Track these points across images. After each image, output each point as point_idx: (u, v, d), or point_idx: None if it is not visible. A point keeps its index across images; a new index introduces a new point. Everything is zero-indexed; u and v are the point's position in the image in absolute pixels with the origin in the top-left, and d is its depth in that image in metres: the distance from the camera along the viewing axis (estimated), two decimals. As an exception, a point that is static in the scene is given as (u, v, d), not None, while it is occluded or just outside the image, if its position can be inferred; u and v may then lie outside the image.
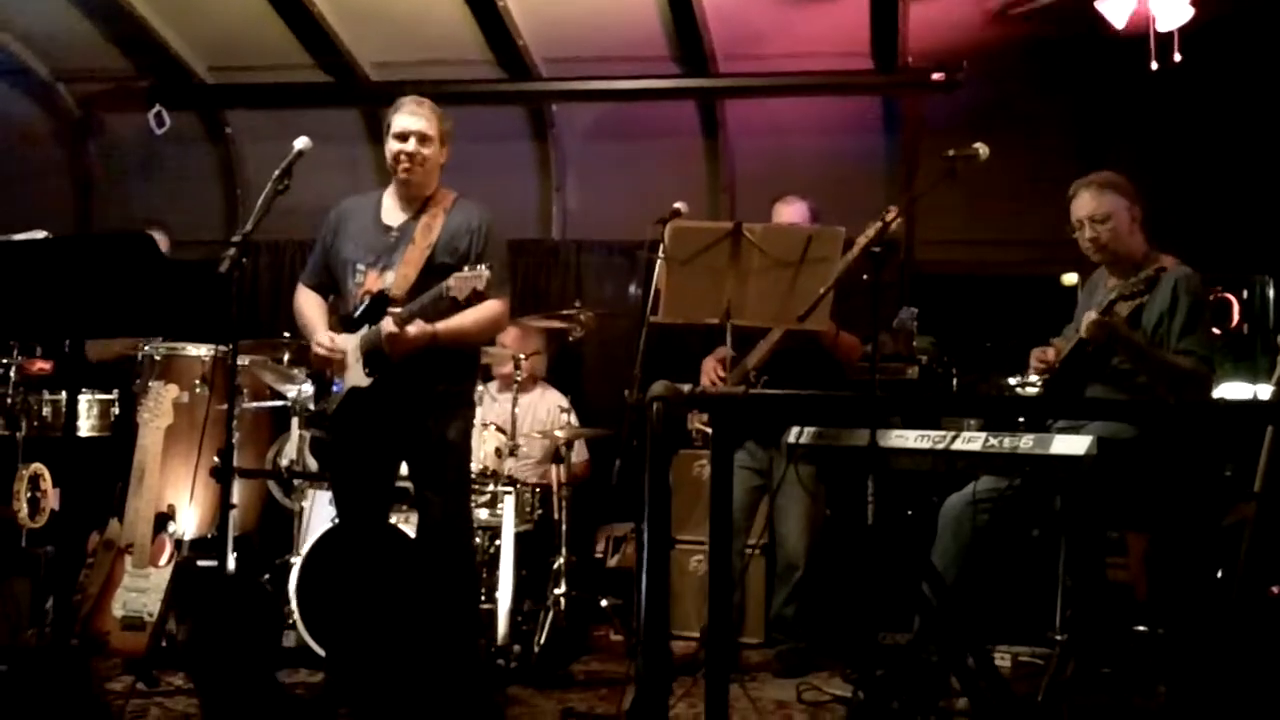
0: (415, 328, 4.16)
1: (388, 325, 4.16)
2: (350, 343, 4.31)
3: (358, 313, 4.31)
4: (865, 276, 4.26)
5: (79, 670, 4.39)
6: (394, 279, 4.28)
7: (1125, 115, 6.43)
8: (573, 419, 5.97)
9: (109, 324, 4.13)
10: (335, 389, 4.35)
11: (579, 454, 6.22)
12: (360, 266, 4.36)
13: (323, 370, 4.39)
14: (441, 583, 4.33)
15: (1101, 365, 4.19)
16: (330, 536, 5.07)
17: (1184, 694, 4.21)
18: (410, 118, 4.32)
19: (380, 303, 4.26)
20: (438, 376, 4.32)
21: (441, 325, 4.23)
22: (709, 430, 5.39)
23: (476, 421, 5.40)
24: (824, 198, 5.43)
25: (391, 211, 4.42)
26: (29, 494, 5.23)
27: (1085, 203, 4.31)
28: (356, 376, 4.29)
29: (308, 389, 5.41)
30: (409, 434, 4.34)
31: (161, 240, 6.01)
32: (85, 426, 5.45)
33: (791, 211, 5.29)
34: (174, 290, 3.78)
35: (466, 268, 4.15)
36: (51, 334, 4.73)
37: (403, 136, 4.31)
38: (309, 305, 4.52)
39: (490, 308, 4.30)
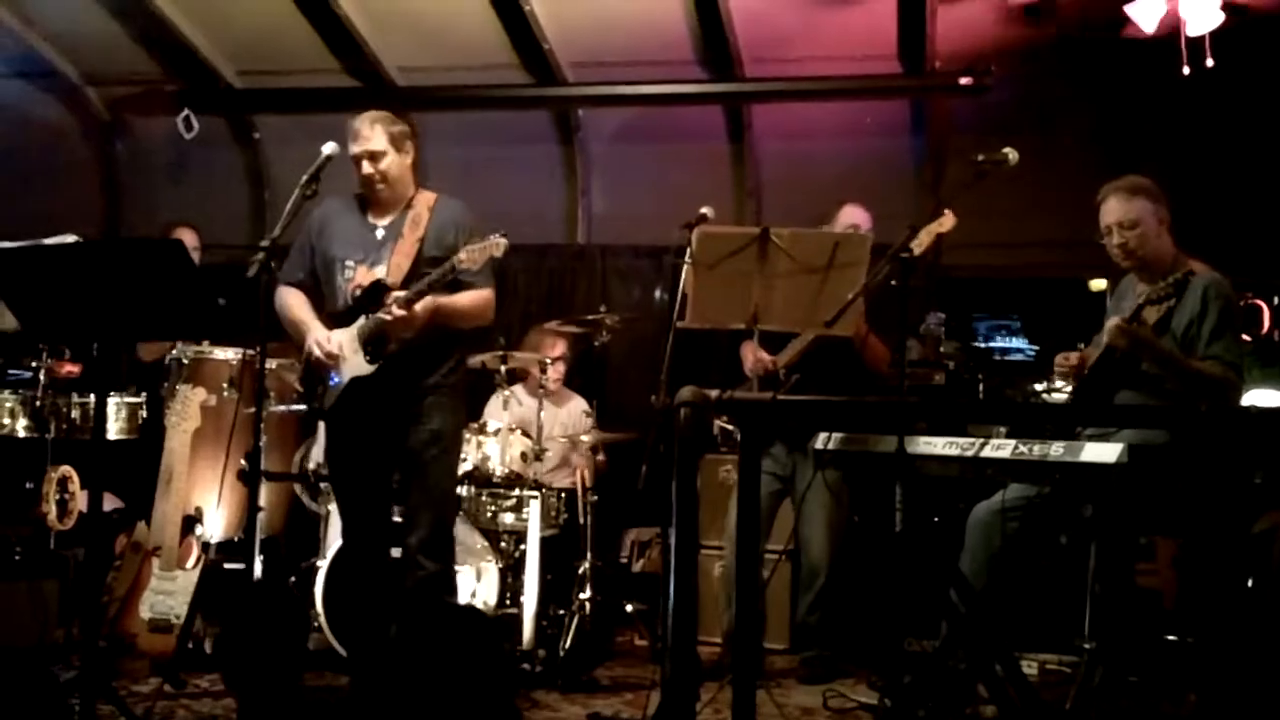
0: (421, 304, 4.26)
1: (395, 308, 4.22)
2: (346, 335, 4.36)
3: (353, 302, 4.38)
4: (893, 282, 4.25)
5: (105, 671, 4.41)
6: (388, 270, 4.37)
7: (1154, 118, 6.38)
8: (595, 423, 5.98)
9: (137, 328, 4.16)
10: (333, 383, 4.38)
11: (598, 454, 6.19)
12: (350, 263, 4.44)
13: (318, 369, 4.40)
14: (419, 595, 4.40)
15: (1131, 371, 4.16)
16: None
17: (1214, 702, 4.18)
18: (353, 144, 4.41)
19: (377, 291, 4.33)
20: (427, 368, 4.42)
21: (442, 299, 4.33)
22: (730, 428, 5.39)
23: (503, 426, 5.45)
24: (844, 202, 5.40)
25: (376, 212, 4.52)
26: (57, 496, 5.26)
27: (1113, 209, 4.28)
28: (357, 366, 4.34)
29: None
30: (401, 425, 4.41)
31: (189, 237, 6.03)
32: (113, 429, 5.47)
33: (860, 216, 5.27)
34: (202, 294, 3.80)
35: (476, 238, 4.27)
36: (80, 337, 4.75)
37: (356, 161, 4.41)
38: (299, 304, 4.54)
39: (484, 294, 4.44)
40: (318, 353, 4.36)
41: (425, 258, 4.37)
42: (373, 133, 4.40)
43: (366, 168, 4.40)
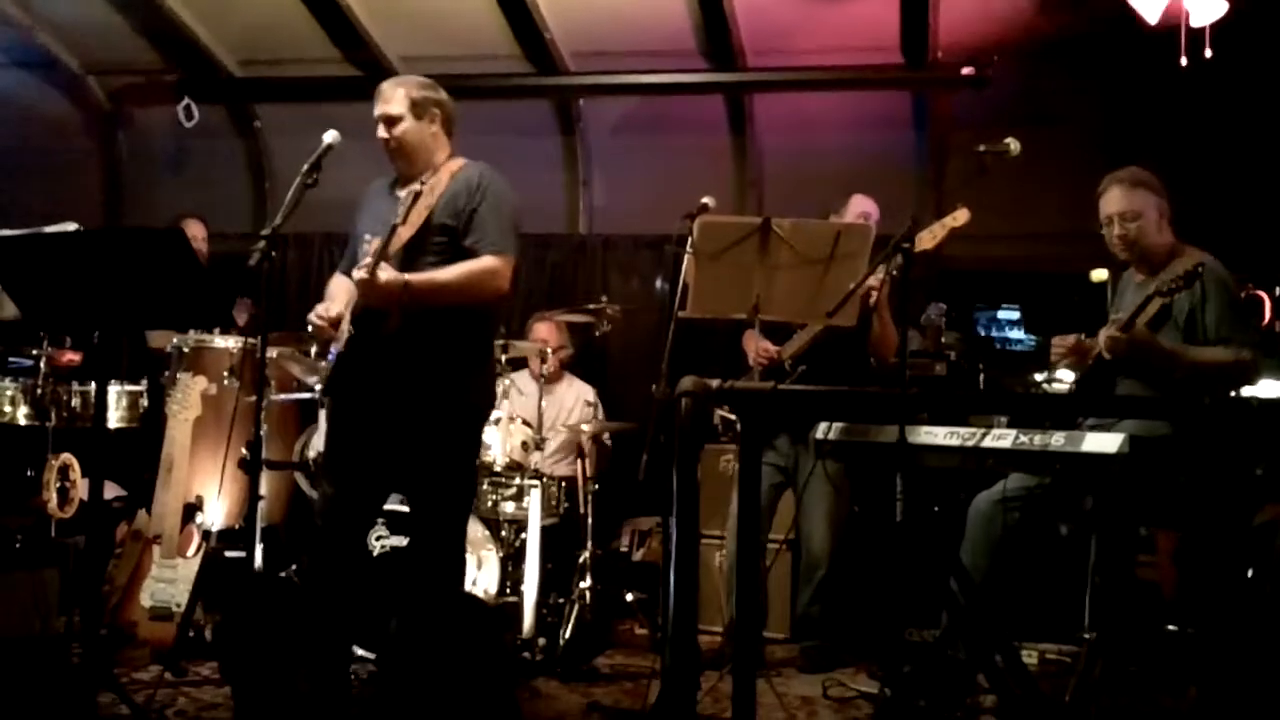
0: (385, 273, 3.96)
1: (359, 272, 3.96)
2: (350, 310, 4.18)
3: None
4: (895, 273, 4.25)
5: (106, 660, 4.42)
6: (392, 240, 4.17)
7: (1155, 110, 6.38)
8: (599, 413, 5.97)
9: (138, 316, 4.15)
10: (330, 357, 4.26)
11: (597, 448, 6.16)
12: (368, 236, 4.23)
13: (319, 343, 4.27)
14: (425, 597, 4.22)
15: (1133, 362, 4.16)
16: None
17: (1214, 694, 4.18)
18: (375, 106, 4.26)
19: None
20: (433, 356, 4.12)
21: (414, 275, 4.02)
22: (731, 417, 5.39)
23: (503, 415, 5.42)
24: (852, 193, 5.41)
25: (403, 185, 4.31)
26: (58, 484, 5.26)
27: (1115, 200, 4.28)
28: (343, 340, 4.13)
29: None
30: (405, 422, 4.13)
31: (198, 229, 6.04)
32: (114, 418, 5.47)
33: (870, 206, 5.28)
34: (203, 284, 3.80)
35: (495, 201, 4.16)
36: (81, 325, 4.75)
37: (376, 125, 4.28)
38: (333, 287, 4.39)
39: (481, 262, 4.10)
40: (315, 320, 4.17)
41: (434, 224, 4.12)
42: (393, 95, 4.23)
43: (381, 132, 4.24)
